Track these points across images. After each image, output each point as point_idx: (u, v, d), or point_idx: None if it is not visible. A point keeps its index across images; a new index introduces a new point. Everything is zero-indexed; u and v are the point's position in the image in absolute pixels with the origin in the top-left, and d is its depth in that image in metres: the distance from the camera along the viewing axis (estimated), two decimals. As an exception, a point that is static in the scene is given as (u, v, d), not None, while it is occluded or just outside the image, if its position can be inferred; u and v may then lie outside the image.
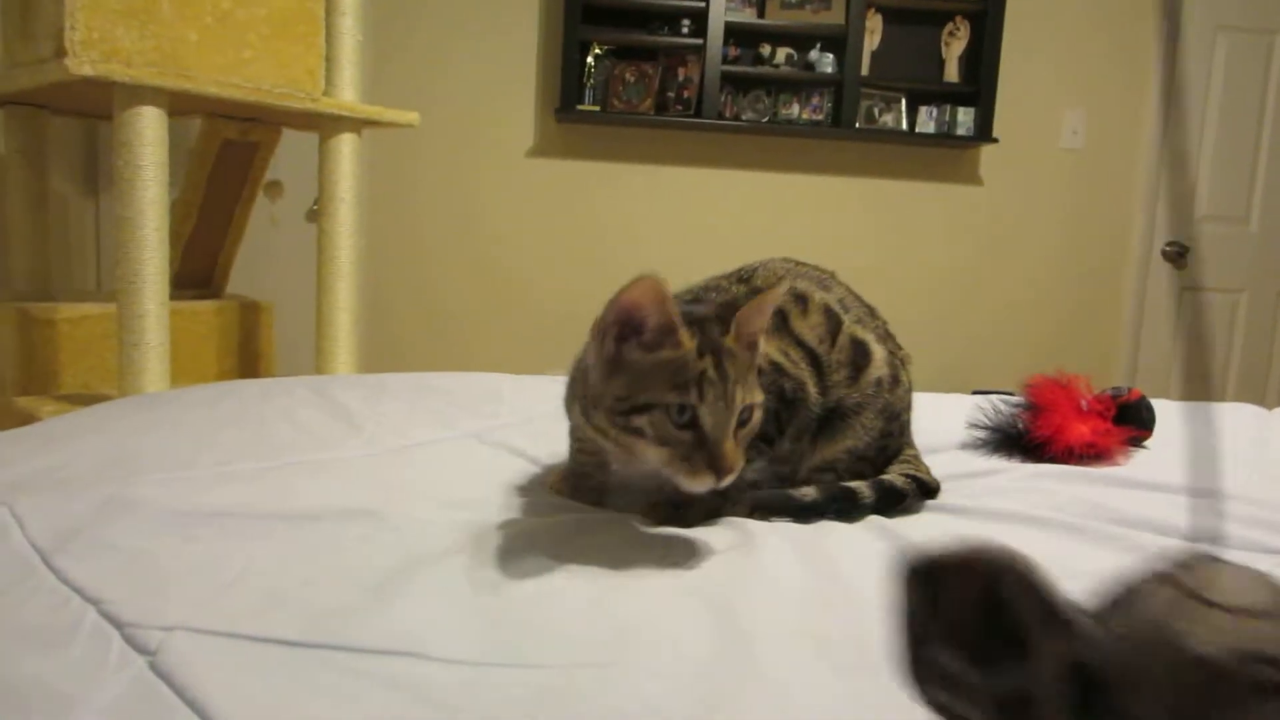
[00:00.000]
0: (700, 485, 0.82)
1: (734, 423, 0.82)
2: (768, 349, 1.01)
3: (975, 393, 1.85)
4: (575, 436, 1.08)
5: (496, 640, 0.64)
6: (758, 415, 0.86)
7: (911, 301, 3.72)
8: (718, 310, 0.86)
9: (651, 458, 0.82)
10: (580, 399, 0.91)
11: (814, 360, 1.04)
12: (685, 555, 0.84)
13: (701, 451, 0.80)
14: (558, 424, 1.32)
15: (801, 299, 1.07)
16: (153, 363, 1.80)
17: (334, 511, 0.88)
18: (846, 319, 1.09)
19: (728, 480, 0.81)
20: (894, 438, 1.11)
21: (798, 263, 1.12)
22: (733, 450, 0.81)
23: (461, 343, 3.62)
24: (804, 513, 0.98)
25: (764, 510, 0.99)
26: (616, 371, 0.84)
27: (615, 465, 0.92)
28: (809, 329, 1.05)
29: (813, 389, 1.03)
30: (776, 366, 1.01)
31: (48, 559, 0.74)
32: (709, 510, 1.00)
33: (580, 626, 0.67)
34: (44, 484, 0.93)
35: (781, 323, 1.04)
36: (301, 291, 2.41)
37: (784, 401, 1.00)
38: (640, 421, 0.81)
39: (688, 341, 0.82)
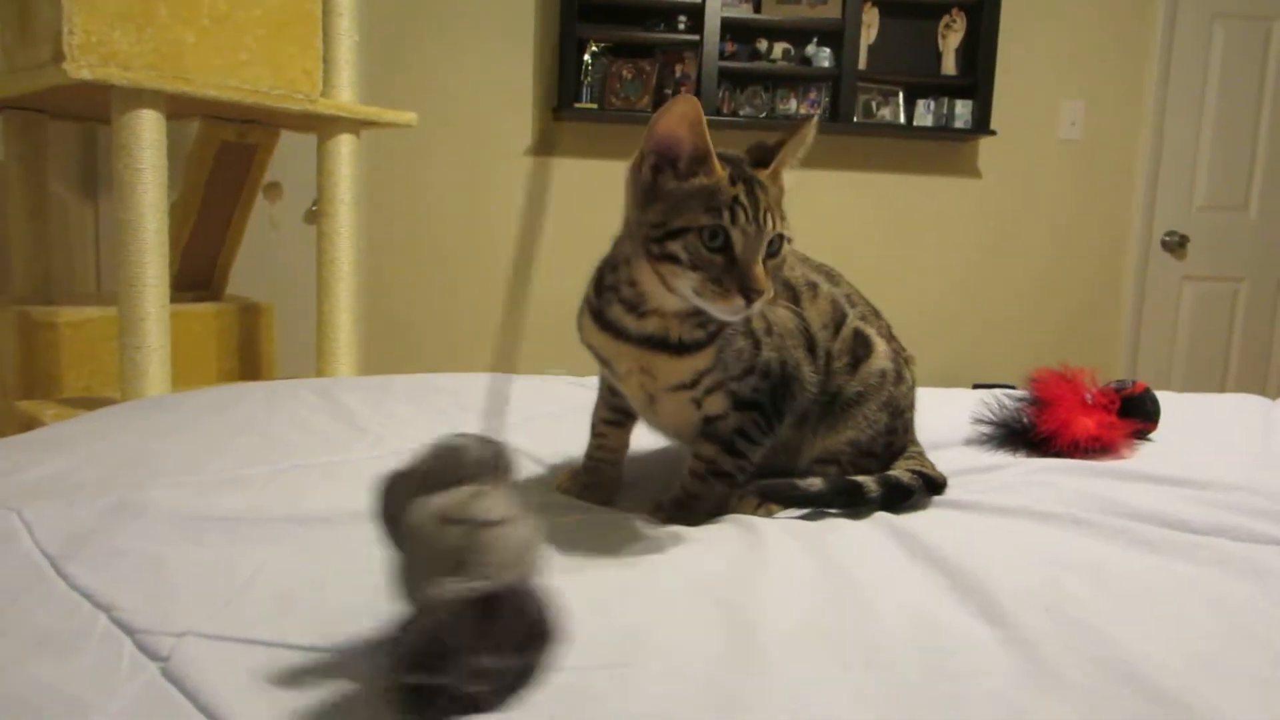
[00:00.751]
0: (731, 309, 0.84)
1: (764, 248, 0.85)
2: (780, 315, 1.01)
3: (976, 386, 1.85)
4: (595, 431, 1.09)
5: (508, 642, 0.64)
6: (786, 248, 0.89)
7: (911, 295, 3.72)
8: (749, 150, 0.90)
9: (686, 288, 0.85)
10: (601, 273, 0.97)
11: (811, 344, 1.04)
12: (694, 554, 0.84)
13: (732, 274, 0.83)
14: (561, 424, 1.32)
15: (812, 285, 1.07)
16: (154, 365, 1.80)
17: (343, 515, 0.88)
18: (852, 313, 1.09)
19: (756, 305, 0.84)
20: (898, 434, 1.11)
21: (805, 257, 1.12)
22: (762, 274, 0.84)
23: (464, 339, 3.62)
24: (809, 503, 0.98)
25: (769, 499, 0.99)
26: (653, 200, 0.87)
27: (654, 304, 0.92)
28: (816, 314, 1.05)
29: (808, 370, 1.03)
30: (782, 340, 1.01)
31: (57, 565, 0.74)
32: (715, 508, 1.01)
33: (592, 627, 0.67)
34: (52, 489, 0.93)
35: (792, 301, 1.04)
36: (301, 293, 2.41)
37: (782, 380, 1.00)
38: (675, 247, 0.84)
39: (720, 170, 0.85)
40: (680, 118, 0.84)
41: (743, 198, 0.84)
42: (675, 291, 0.87)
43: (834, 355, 1.06)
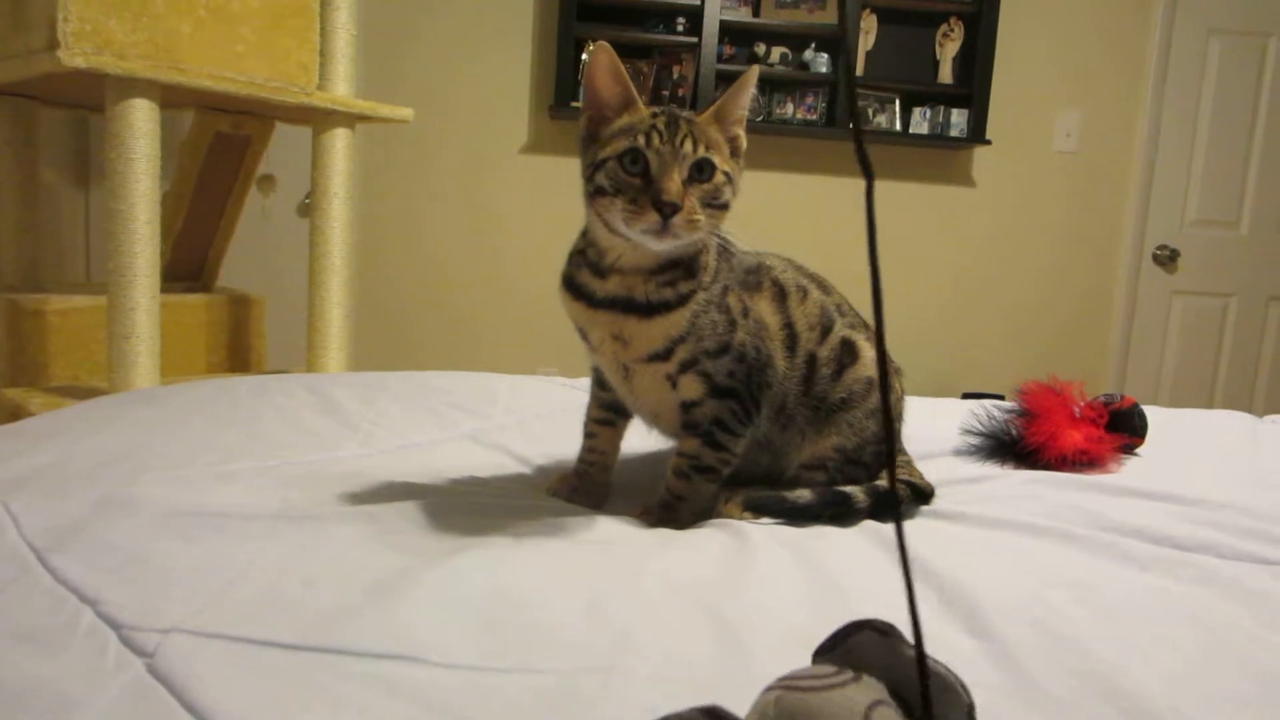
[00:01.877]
0: (649, 226, 0.87)
1: (683, 168, 0.88)
2: (761, 310, 1.02)
3: (965, 396, 1.86)
4: (586, 432, 1.10)
5: (496, 644, 0.64)
6: (721, 180, 0.90)
7: (903, 302, 3.73)
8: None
9: (617, 219, 0.89)
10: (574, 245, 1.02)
11: (793, 342, 1.04)
12: (682, 559, 0.84)
13: (647, 192, 0.87)
14: (552, 426, 1.32)
15: (803, 289, 1.08)
16: (143, 356, 1.79)
17: (333, 513, 0.88)
18: (840, 321, 1.09)
19: (676, 231, 0.86)
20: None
21: (799, 265, 1.12)
22: (676, 188, 0.86)
23: (460, 336, 3.61)
24: (798, 516, 0.99)
25: (759, 512, 0.99)
26: (589, 146, 0.93)
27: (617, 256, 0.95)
28: (803, 315, 1.06)
29: (781, 363, 1.03)
30: (760, 326, 1.02)
31: (44, 558, 0.73)
32: (701, 510, 1.01)
33: (579, 630, 0.67)
34: (40, 482, 0.93)
35: (780, 299, 1.05)
36: (293, 286, 2.40)
37: (757, 367, 1.01)
38: (600, 177, 0.90)
39: (644, 109, 0.92)
40: (600, 67, 0.91)
41: (660, 125, 0.89)
42: (613, 229, 0.91)
43: (821, 360, 1.06)
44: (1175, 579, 0.85)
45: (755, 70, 0.94)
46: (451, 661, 0.62)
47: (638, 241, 0.90)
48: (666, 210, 0.86)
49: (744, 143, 0.96)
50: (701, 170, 0.89)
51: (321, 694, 0.57)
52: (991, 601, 0.75)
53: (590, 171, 0.92)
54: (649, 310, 0.94)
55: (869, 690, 0.49)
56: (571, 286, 0.99)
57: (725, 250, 1.01)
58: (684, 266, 0.95)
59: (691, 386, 0.98)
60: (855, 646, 0.51)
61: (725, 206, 0.93)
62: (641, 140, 0.88)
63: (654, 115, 0.90)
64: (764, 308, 1.03)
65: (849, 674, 0.50)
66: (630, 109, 0.92)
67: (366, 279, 3.49)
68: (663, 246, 0.90)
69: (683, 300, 0.95)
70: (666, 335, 0.95)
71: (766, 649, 0.66)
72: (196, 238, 2.47)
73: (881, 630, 0.52)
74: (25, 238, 2.24)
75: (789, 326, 1.04)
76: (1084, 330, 3.89)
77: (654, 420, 1.07)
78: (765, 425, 1.05)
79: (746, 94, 0.93)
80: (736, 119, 0.95)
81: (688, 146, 0.88)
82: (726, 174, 0.91)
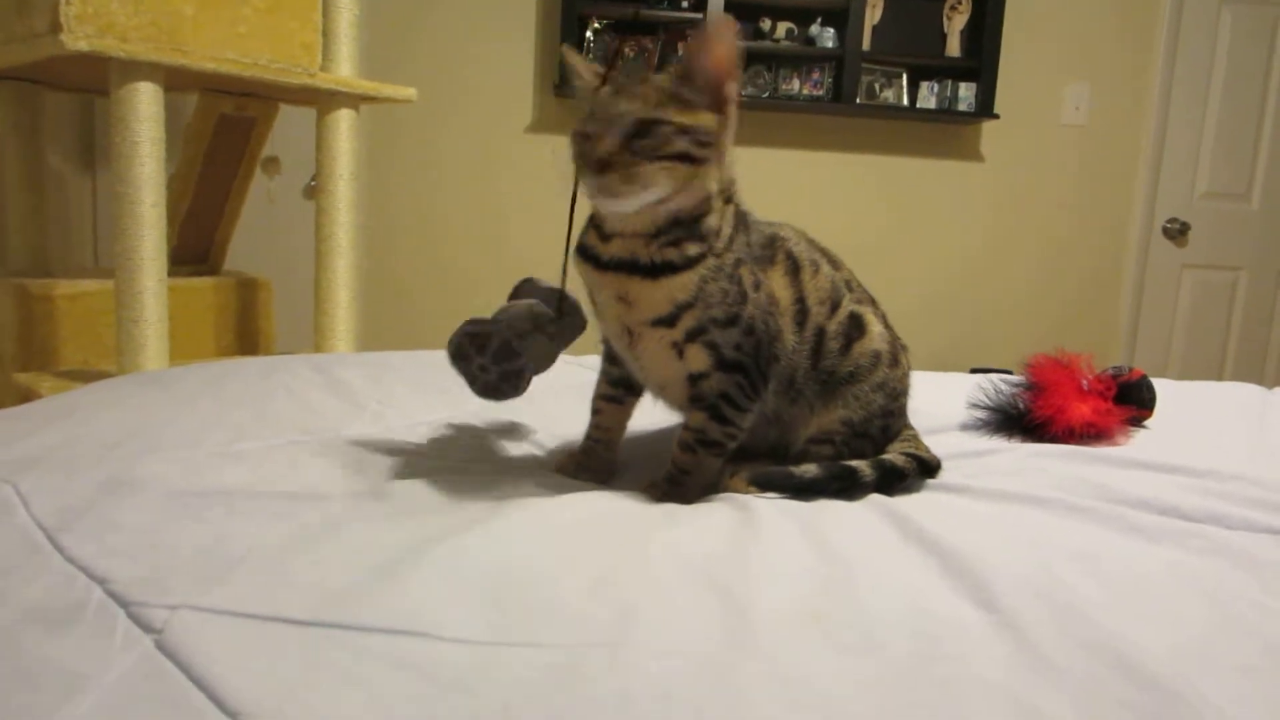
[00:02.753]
0: (590, 188, 0.89)
1: (616, 124, 0.88)
2: (774, 284, 1.02)
3: (973, 371, 1.85)
4: (593, 409, 1.10)
5: (503, 619, 0.65)
6: (669, 132, 0.89)
7: (911, 278, 3.71)
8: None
9: (583, 184, 0.91)
10: None
11: (804, 317, 1.04)
12: (689, 534, 0.84)
13: (585, 152, 0.89)
14: (560, 403, 1.32)
15: (814, 264, 1.07)
16: (151, 339, 1.79)
17: (341, 491, 0.88)
18: (848, 296, 1.09)
19: (610, 188, 0.88)
20: (894, 418, 1.11)
21: (810, 239, 1.12)
22: (600, 144, 0.88)
23: (468, 316, 3.61)
24: (804, 490, 0.98)
25: (765, 489, 0.99)
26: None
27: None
28: (814, 289, 1.05)
29: (790, 338, 1.03)
30: (771, 301, 1.01)
31: (53, 537, 0.74)
32: (708, 484, 1.01)
33: (587, 606, 0.67)
34: (48, 462, 0.93)
35: (794, 273, 1.04)
36: (300, 268, 2.40)
37: (762, 342, 1.00)
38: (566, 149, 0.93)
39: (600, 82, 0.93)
40: (574, 71, 0.97)
41: (604, 89, 0.91)
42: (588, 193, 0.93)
43: (829, 334, 1.05)
44: (1184, 550, 0.84)
45: (724, 19, 0.92)
46: (459, 637, 0.62)
47: (592, 203, 0.93)
48: (592, 166, 0.87)
49: (732, 94, 0.93)
50: (645, 127, 0.88)
51: (329, 669, 0.57)
52: (998, 574, 0.75)
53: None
54: (653, 271, 0.94)
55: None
56: (581, 250, 1.00)
57: (744, 221, 1.00)
58: (686, 227, 0.94)
59: (698, 358, 0.98)
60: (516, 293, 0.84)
61: (685, 158, 0.90)
62: (588, 107, 0.91)
63: (602, 83, 0.93)
64: (777, 282, 1.03)
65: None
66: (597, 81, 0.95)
67: (373, 260, 3.49)
68: (610, 208, 0.92)
69: (689, 263, 0.94)
70: (671, 299, 0.94)
71: (773, 622, 0.66)
72: (203, 221, 2.47)
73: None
74: (33, 223, 2.25)
75: (801, 301, 1.04)
76: (1093, 305, 3.87)
77: (660, 391, 1.07)
78: (774, 400, 1.05)
79: (723, 48, 0.91)
80: (713, 74, 0.91)
81: (621, 104, 0.88)
82: (685, 127, 0.89)
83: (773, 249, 1.04)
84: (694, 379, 1.00)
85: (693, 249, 0.94)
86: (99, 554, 0.71)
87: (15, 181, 2.22)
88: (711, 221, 0.96)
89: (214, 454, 0.99)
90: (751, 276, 0.99)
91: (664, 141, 0.88)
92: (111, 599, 0.64)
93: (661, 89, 0.90)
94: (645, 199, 0.90)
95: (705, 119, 0.91)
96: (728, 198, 0.99)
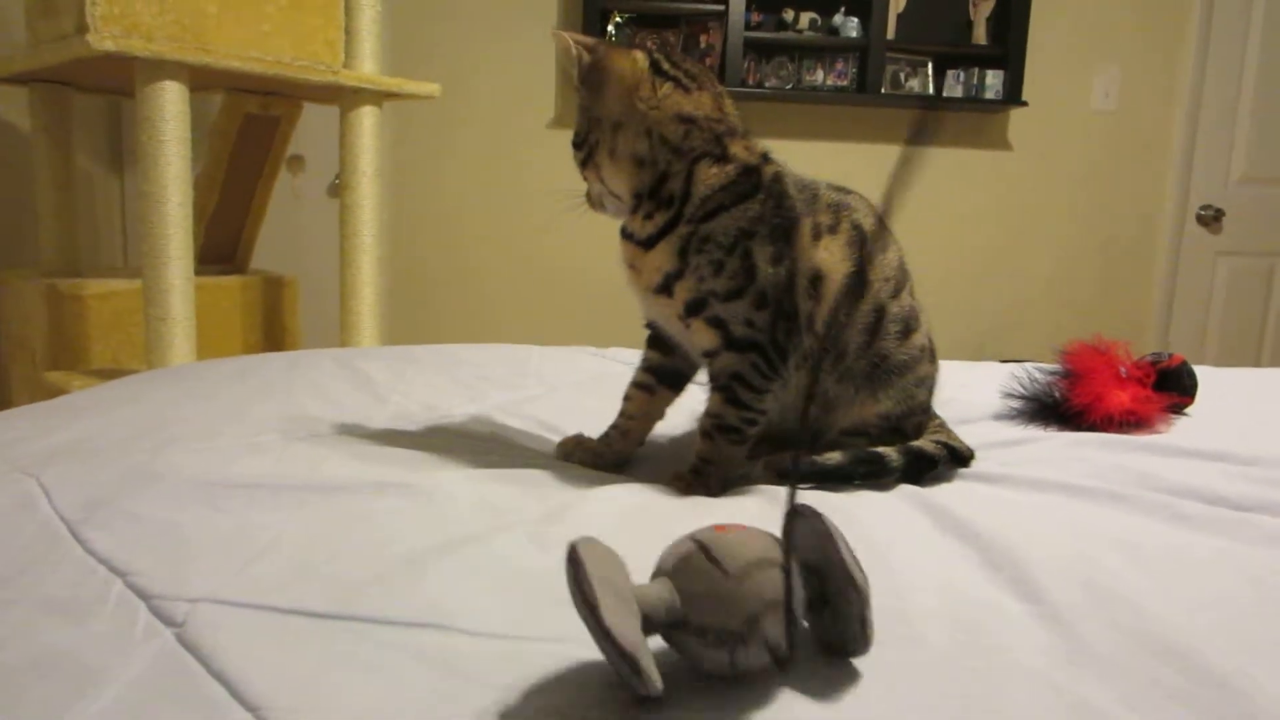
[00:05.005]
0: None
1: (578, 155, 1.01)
2: (825, 257, 0.98)
3: (1005, 362, 1.82)
4: (624, 396, 1.09)
5: (527, 613, 0.63)
6: (584, 145, 1.00)
7: (940, 269, 3.66)
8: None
9: None
10: None
11: (862, 287, 1.01)
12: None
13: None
14: (584, 395, 1.31)
15: (884, 242, 1.06)
16: (179, 337, 1.80)
17: (364, 483, 0.87)
18: (909, 284, 1.07)
19: (592, 204, 1.02)
20: (926, 414, 1.09)
21: (881, 217, 1.07)
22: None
23: (492, 313, 3.61)
24: (829, 478, 0.96)
25: (787, 478, 0.97)
26: None
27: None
28: (880, 264, 1.04)
29: (820, 325, 0.99)
30: (816, 279, 0.97)
31: (75, 530, 0.73)
32: (734, 475, 0.99)
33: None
34: (71, 456, 0.93)
35: (858, 244, 1.00)
36: (325, 266, 2.41)
37: (782, 314, 0.96)
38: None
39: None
40: (560, 43, 1.00)
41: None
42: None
43: (890, 316, 1.02)
44: (1232, 539, 0.81)
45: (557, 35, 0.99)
46: (480, 630, 0.60)
47: None
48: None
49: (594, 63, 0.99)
50: (577, 148, 1.00)
51: (349, 661, 0.56)
52: (1040, 564, 0.72)
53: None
54: (646, 243, 0.97)
55: (774, 585, 0.54)
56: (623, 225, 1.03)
57: (761, 184, 0.96)
58: (654, 199, 0.96)
59: (705, 334, 0.96)
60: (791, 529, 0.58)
61: (590, 162, 0.99)
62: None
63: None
64: (836, 252, 0.98)
65: (766, 563, 0.55)
66: None
67: (397, 257, 3.50)
68: (606, 215, 1.02)
69: (663, 232, 0.95)
70: (657, 267, 0.96)
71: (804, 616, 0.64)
72: (229, 220, 2.48)
73: (809, 515, 0.60)
74: (63, 223, 2.27)
75: (860, 273, 1.00)
76: (1125, 294, 3.80)
77: (690, 354, 1.06)
78: (824, 378, 1.02)
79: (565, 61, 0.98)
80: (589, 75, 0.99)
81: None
82: (585, 137, 0.99)
83: (837, 217, 1.00)
84: (708, 358, 0.98)
85: (661, 218, 0.95)
86: (120, 546, 0.70)
87: (46, 182, 2.24)
88: (674, 186, 0.95)
89: (236, 446, 0.99)
90: (769, 249, 0.94)
91: (586, 152, 0.99)
92: (132, 592, 0.63)
93: (583, 99, 1.00)
94: (615, 204, 1.00)
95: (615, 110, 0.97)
96: (702, 156, 0.96)
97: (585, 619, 0.50)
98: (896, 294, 1.04)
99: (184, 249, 1.80)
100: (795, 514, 0.58)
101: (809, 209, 0.99)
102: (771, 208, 0.96)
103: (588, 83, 0.98)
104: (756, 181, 0.96)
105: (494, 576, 0.69)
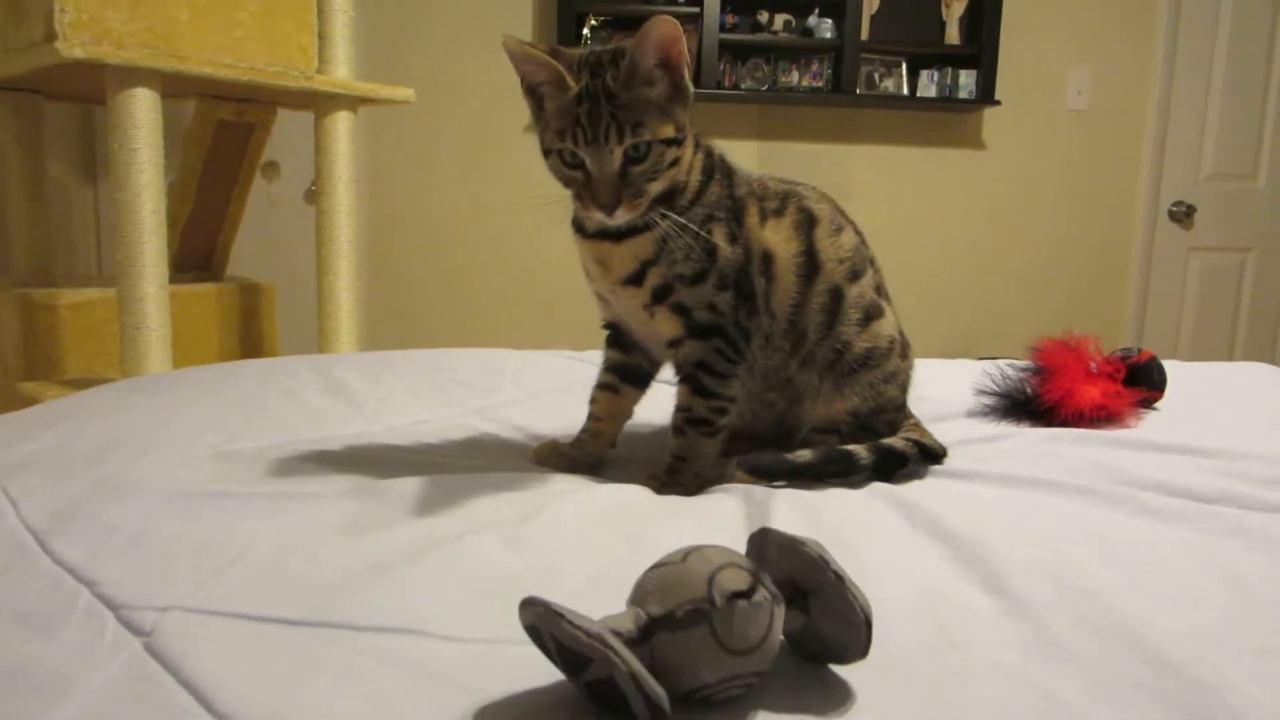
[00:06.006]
0: (592, 219, 0.94)
1: (615, 160, 0.90)
2: (773, 237, 1.00)
3: (981, 360, 1.83)
4: (590, 399, 1.09)
5: (501, 616, 0.63)
6: (660, 151, 0.91)
7: (916, 268, 3.68)
8: (614, 50, 0.93)
9: (570, 196, 0.95)
10: None
11: (812, 268, 1.01)
12: (692, 527, 0.82)
13: (588, 189, 0.91)
14: (561, 400, 1.31)
15: (838, 226, 1.06)
16: (154, 346, 1.79)
17: (336, 490, 0.87)
18: (869, 274, 1.08)
19: (619, 216, 0.92)
20: (899, 413, 1.10)
21: (841, 209, 1.10)
22: (610, 188, 0.90)
23: (471, 317, 3.60)
24: (799, 475, 0.97)
25: (759, 475, 0.97)
26: (540, 121, 0.95)
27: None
28: (831, 246, 1.03)
29: (791, 292, 1.01)
30: (766, 258, 1.00)
31: (42, 540, 0.73)
32: (709, 472, 0.99)
33: (587, 602, 0.65)
34: (40, 465, 0.92)
35: (806, 226, 1.03)
36: (302, 273, 2.39)
37: (741, 294, 0.99)
38: (550, 164, 0.94)
39: (573, 84, 0.91)
40: (519, 58, 0.92)
41: (584, 119, 0.89)
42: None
43: (849, 300, 1.03)
44: (1199, 531, 0.82)
45: (657, 20, 0.90)
46: (454, 634, 0.60)
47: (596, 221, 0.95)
48: (609, 210, 0.91)
49: (688, 86, 0.94)
50: (637, 151, 0.90)
51: (322, 667, 0.56)
52: (1011, 559, 0.73)
53: (544, 153, 0.95)
54: (619, 235, 0.97)
55: (723, 554, 0.55)
56: (574, 222, 1.02)
57: (720, 170, 1.00)
58: (660, 199, 0.96)
59: (669, 322, 0.98)
60: (759, 546, 0.60)
61: (674, 164, 0.93)
62: (570, 141, 0.90)
63: (578, 100, 0.90)
64: (783, 233, 1.01)
65: (708, 546, 0.57)
66: (561, 85, 0.91)
67: (375, 263, 3.48)
68: (614, 224, 0.94)
69: (649, 224, 0.95)
70: (635, 256, 0.97)
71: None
72: (204, 227, 2.46)
73: (785, 540, 0.59)
74: (35, 233, 2.24)
75: (809, 254, 1.02)
76: (1100, 291, 3.84)
77: (653, 349, 1.07)
78: (785, 361, 1.03)
79: (649, 43, 0.90)
80: (661, 69, 0.91)
81: (613, 137, 0.89)
82: (665, 140, 0.91)
83: (784, 202, 1.03)
84: (671, 347, 0.99)
85: (655, 213, 0.95)
86: (88, 556, 0.70)
87: (18, 191, 2.21)
88: (679, 182, 0.96)
89: (209, 455, 0.98)
90: (725, 230, 0.98)
91: (655, 161, 0.91)
92: (100, 601, 0.63)
93: (635, 99, 0.90)
94: (645, 205, 0.93)
95: (678, 116, 0.92)
96: (696, 145, 0.99)
97: (601, 657, 0.50)
98: (854, 278, 1.04)
99: (158, 257, 1.78)
100: (762, 532, 0.61)
101: (755, 195, 1.02)
102: (726, 186, 0.99)
103: (660, 65, 0.93)
104: (712, 163, 1.00)
105: (468, 581, 0.69)
